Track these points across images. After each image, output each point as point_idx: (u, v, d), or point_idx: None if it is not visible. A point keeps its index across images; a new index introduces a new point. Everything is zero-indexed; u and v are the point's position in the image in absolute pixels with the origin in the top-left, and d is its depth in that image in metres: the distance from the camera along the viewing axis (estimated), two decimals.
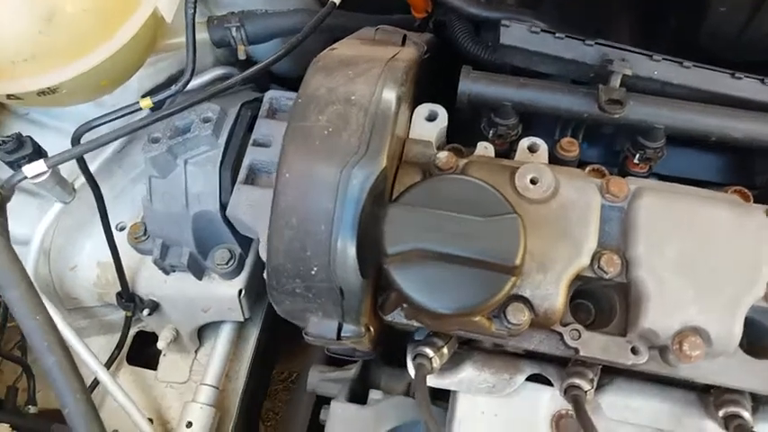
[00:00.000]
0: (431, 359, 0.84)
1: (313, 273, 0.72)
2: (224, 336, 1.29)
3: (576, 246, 0.76)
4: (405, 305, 0.77)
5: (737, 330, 0.73)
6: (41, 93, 0.91)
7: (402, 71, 0.76)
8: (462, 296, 0.67)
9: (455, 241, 0.65)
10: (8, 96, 0.92)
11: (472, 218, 0.66)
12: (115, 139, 0.91)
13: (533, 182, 0.79)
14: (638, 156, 0.88)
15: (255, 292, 1.22)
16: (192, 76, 0.97)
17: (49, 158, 0.85)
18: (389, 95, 0.73)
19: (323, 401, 1.14)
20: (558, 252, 0.76)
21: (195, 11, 0.97)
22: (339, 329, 0.77)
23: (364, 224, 0.70)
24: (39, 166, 0.84)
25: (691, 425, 0.84)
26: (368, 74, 0.75)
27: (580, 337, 0.78)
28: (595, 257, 0.77)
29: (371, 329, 0.78)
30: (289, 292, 0.75)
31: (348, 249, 0.70)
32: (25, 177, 0.85)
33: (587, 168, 0.89)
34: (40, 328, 0.82)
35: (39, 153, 1.04)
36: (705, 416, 0.83)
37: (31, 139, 1.03)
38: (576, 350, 0.78)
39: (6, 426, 1.12)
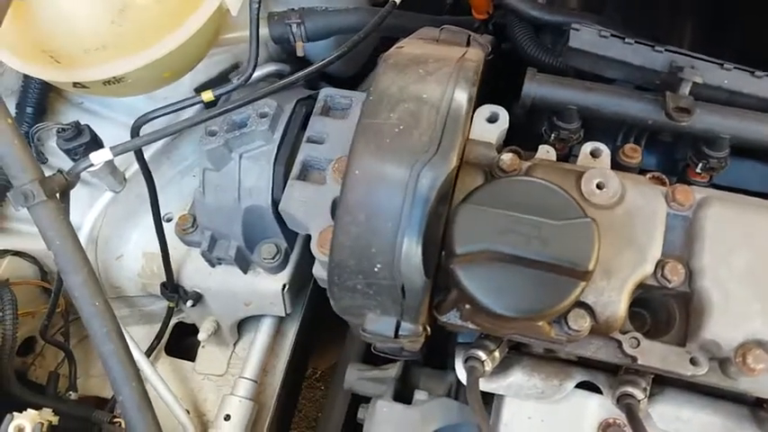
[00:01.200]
0: (483, 362, 0.84)
1: (376, 270, 0.72)
2: (264, 330, 1.30)
3: (640, 253, 0.76)
4: (464, 306, 0.77)
5: None
6: (107, 82, 0.93)
7: (473, 71, 0.76)
8: (530, 300, 0.67)
9: (527, 244, 0.65)
10: (74, 84, 0.94)
11: (545, 220, 0.66)
12: (178, 131, 0.92)
13: (599, 187, 0.78)
14: (700, 165, 0.87)
15: (297, 287, 1.23)
16: (253, 71, 0.98)
17: (115, 147, 0.86)
18: (461, 95, 0.73)
19: (358, 400, 1.14)
20: (622, 259, 0.75)
21: (260, 6, 0.98)
22: (397, 328, 0.77)
23: (429, 223, 0.70)
24: (104, 154, 0.86)
25: None
26: (439, 72, 0.75)
27: (639, 345, 0.77)
28: (659, 266, 0.76)
29: (428, 329, 0.78)
30: (350, 288, 0.76)
31: (414, 248, 0.70)
32: (92, 165, 0.86)
33: (647, 176, 0.88)
34: (99, 315, 0.84)
35: (95, 142, 1.06)
36: (758, 431, 0.82)
37: (89, 127, 1.04)
38: (635, 358, 0.77)
39: (49, 411, 1.13)
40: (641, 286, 0.77)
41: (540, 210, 0.68)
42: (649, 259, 0.76)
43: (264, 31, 1.10)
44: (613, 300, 0.75)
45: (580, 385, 0.88)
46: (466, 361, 0.86)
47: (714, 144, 0.86)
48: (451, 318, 0.82)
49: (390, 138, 0.72)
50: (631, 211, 0.77)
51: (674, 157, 0.94)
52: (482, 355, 0.85)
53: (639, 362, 0.77)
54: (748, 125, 0.85)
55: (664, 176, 0.88)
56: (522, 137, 0.95)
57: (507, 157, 0.82)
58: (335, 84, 1.38)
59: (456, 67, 0.76)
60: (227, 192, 1.09)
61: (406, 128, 0.72)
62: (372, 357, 1.07)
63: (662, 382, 0.86)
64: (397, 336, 0.77)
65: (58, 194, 0.84)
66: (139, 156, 1.06)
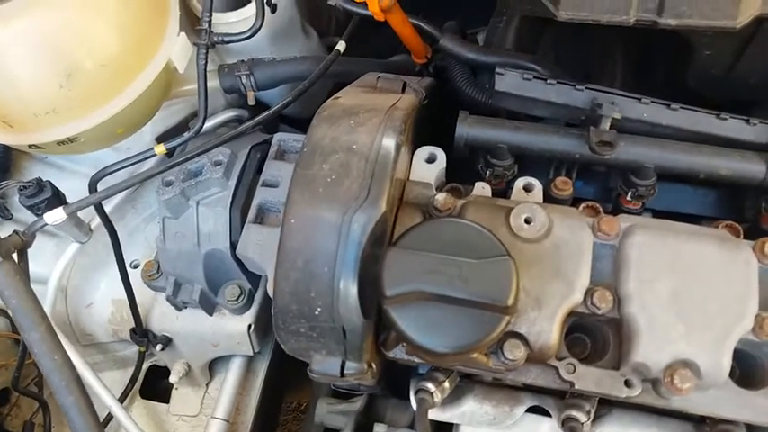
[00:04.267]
0: (432, 393, 0.87)
1: (317, 313, 0.76)
2: (234, 369, 1.32)
3: (568, 283, 0.79)
4: (403, 344, 0.80)
5: (726, 363, 0.76)
6: (61, 142, 0.96)
7: (401, 120, 0.81)
8: (459, 336, 0.70)
9: (451, 283, 0.69)
10: (30, 146, 0.98)
11: (466, 260, 0.70)
12: (132, 186, 0.96)
13: (527, 221, 0.82)
14: (630, 193, 0.92)
15: (264, 326, 1.26)
16: (203, 123, 1.02)
17: (68, 206, 0.90)
18: (389, 143, 0.77)
19: None
20: (551, 289, 0.79)
21: (207, 61, 1.03)
22: (342, 367, 0.80)
23: (365, 266, 0.74)
24: (58, 213, 0.89)
25: None
26: (368, 123, 0.80)
27: (575, 370, 0.81)
28: (588, 294, 0.80)
29: (374, 366, 0.81)
30: (294, 331, 0.79)
31: (350, 290, 0.74)
32: (46, 224, 0.89)
33: (582, 205, 0.92)
34: (58, 369, 0.86)
35: (57, 197, 1.09)
36: None
37: (51, 183, 1.08)
38: (572, 383, 0.80)
39: None
40: (574, 314, 0.81)
41: (464, 249, 0.71)
42: (578, 288, 0.80)
43: (215, 83, 1.14)
44: (545, 329, 0.78)
45: (533, 410, 0.91)
46: (417, 393, 0.89)
47: (640, 173, 0.90)
48: (398, 353, 0.85)
49: (323, 187, 0.76)
50: (559, 243, 0.81)
51: (607, 185, 0.99)
52: (431, 386, 0.87)
53: (577, 386, 0.80)
54: (669, 154, 0.90)
55: (598, 205, 0.92)
56: (467, 173, 0.99)
57: (441, 197, 0.86)
58: (296, 125, 1.43)
59: (385, 117, 0.81)
60: (187, 238, 1.12)
61: (338, 177, 0.76)
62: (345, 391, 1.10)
63: (609, 404, 0.89)
64: (342, 374, 0.80)
65: (15, 254, 0.87)
66: (99, 209, 1.09)
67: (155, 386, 1.43)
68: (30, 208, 1.08)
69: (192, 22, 1.14)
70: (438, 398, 0.88)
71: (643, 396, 0.80)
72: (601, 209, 0.93)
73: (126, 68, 0.94)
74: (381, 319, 0.82)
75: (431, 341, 0.71)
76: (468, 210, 0.85)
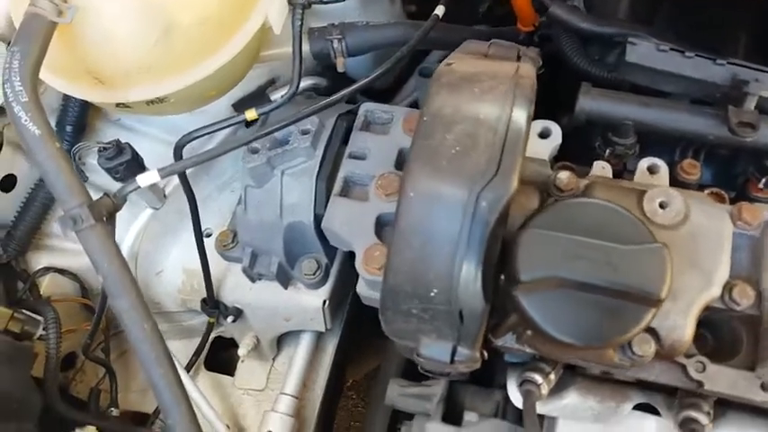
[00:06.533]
0: (539, 386, 0.82)
1: (432, 295, 0.70)
2: (304, 345, 1.28)
3: (706, 275, 0.73)
4: (524, 331, 0.75)
5: None
6: (150, 102, 0.92)
7: (530, 88, 0.74)
8: (597, 328, 0.65)
9: (596, 270, 0.63)
10: (117, 105, 0.93)
11: (614, 245, 0.64)
12: (225, 152, 0.91)
13: (662, 206, 0.76)
14: (764, 180, 0.84)
15: (337, 302, 1.22)
16: (297, 89, 0.97)
17: (163, 169, 0.85)
18: (520, 115, 0.71)
19: (398, 415, 1.13)
20: (687, 281, 0.73)
21: (303, 23, 0.97)
22: (453, 353, 0.75)
23: (489, 247, 0.68)
24: (152, 176, 0.85)
25: None
26: (495, 91, 0.73)
27: (705, 369, 0.75)
28: (727, 288, 0.73)
29: (485, 354, 0.76)
30: (404, 312, 0.74)
31: (473, 273, 0.68)
32: (138, 187, 0.85)
33: (705, 191, 0.86)
34: (148, 339, 0.83)
35: (135, 160, 1.06)
36: None
37: (130, 146, 1.04)
38: (701, 383, 0.74)
39: (93, 428, 1.13)
40: (707, 309, 0.75)
41: (608, 234, 0.65)
42: (716, 281, 0.73)
43: (305, 47, 1.08)
44: (679, 324, 0.72)
45: (637, 407, 0.86)
46: (521, 384, 0.84)
47: None
48: (507, 341, 0.80)
49: (447, 159, 0.70)
50: (696, 232, 0.75)
51: (732, 171, 0.91)
52: (538, 378, 0.82)
53: (706, 387, 0.74)
54: None
55: (723, 193, 0.85)
56: (571, 150, 0.93)
57: (564, 175, 0.80)
58: (368, 96, 1.37)
59: (512, 85, 0.74)
60: (269, 208, 1.08)
61: (464, 149, 0.70)
62: (413, 371, 1.05)
63: (723, 404, 0.83)
64: (452, 361, 0.75)
65: (105, 218, 0.83)
66: (182, 176, 1.05)
67: (218, 358, 1.40)
68: (108, 170, 1.04)
69: None
70: (545, 390, 0.83)
71: None
72: (726, 196, 0.86)
73: (223, 27, 0.89)
74: (496, 303, 0.77)
75: (566, 332, 0.65)
76: (594, 191, 0.78)
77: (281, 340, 1.33)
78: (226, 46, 0.90)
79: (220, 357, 1.41)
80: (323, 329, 1.23)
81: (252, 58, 1.01)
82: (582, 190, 0.79)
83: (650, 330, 0.72)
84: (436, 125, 0.72)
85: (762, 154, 0.84)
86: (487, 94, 0.73)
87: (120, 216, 1.21)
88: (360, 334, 1.36)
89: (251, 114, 0.96)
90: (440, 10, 1.05)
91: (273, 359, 1.34)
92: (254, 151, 1.04)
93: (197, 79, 0.89)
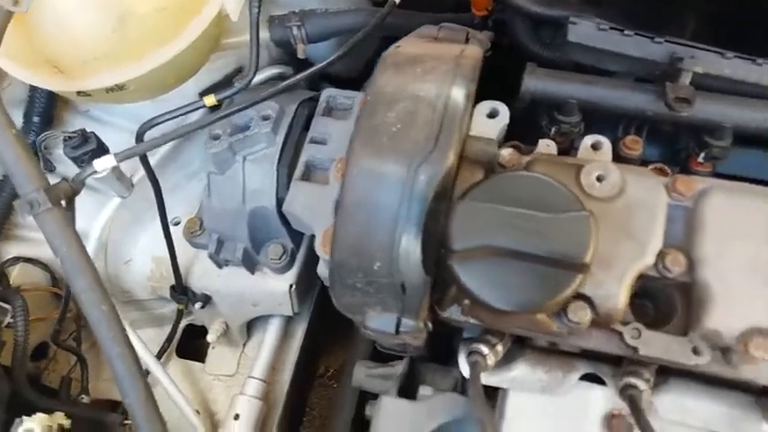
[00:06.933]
0: (485, 356, 0.85)
1: (376, 268, 0.73)
2: (272, 330, 1.31)
3: (640, 245, 0.76)
4: (464, 302, 0.77)
5: None
6: (110, 90, 0.94)
7: (471, 68, 0.77)
8: (528, 294, 0.67)
9: (525, 238, 0.66)
10: (78, 93, 0.96)
11: (542, 214, 0.67)
12: (180, 136, 0.93)
13: (599, 179, 0.79)
14: (703, 155, 0.87)
15: (304, 287, 1.24)
16: (254, 74, 0.99)
17: (118, 154, 0.87)
18: (458, 93, 0.74)
19: (366, 397, 1.15)
20: (622, 251, 0.75)
21: (260, 10, 0.99)
22: (398, 324, 0.78)
23: (429, 221, 0.71)
24: (108, 160, 0.87)
25: (747, 428, 0.82)
26: (436, 71, 0.76)
27: (640, 336, 0.77)
28: (660, 256, 0.76)
29: (429, 325, 0.79)
30: (350, 286, 0.77)
31: (413, 246, 0.71)
32: (95, 171, 0.87)
33: (649, 167, 0.88)
34: (105, 319, 0.85)
35: (101, 149, 1.07)
36: (762, 420, 0.82)
37: (95, 135, 1.06)
38: (636, 349, 0.77)
39: (61, 414, 1.15)
40: (642, 277, 0.78)
41: (538, 204, 0.68)
42: (649, 250, 0.76)
43: (265, 34, 1.11)
44: (613, 292, 0.75)
45: (584, 377, 0.88)
46: (469, 355, 0.86)
47: (716, 133, 0.86)
48: (453, 313, 0.82)
49: (388, 137, 0.73)
50: (632, 203, 0.77)
51: (675, 147, 0.94)
52: (484, 349, 0.85)
53: (641, 353, 0.77)
54: (751, 113, 0.85)
55: (666, 167, 0.88)
56: (521, 131, 0.95)
57: (507, 152, 0.83)
58: (337, 84, 1.39)
59: (453, 65, 0.77)
60: (233, 194, 1.10)
61: (404, 127, 0.73)
62: (381, 355, 1.08)
63: (665, 373, 0.86)
64: (398, 332, 0.78)
65: (63, 202, 0.85)
66: (145, 161, 1.08)
67: (190, 346, 1.42)
68: (74, 159, 1.06)
69: None
70: (491, 361, 0.85)
71: (711, 365, 0.76)
72: (669, 171, 0.89)
73: (179, 13, 0.91)
74: (438, 277, 0.79)
75: (497, 299, 0.68)
76: (535, 166, 0.81)
77: (251, 326, 1.35)
78: (182, 33, 0.92)
79: (193, 345, 1.43)
80: (291, 314, 1.25)
81: (210, 46, 1.03)
82: (524, 166, 0.82)
83: (585, 298, 0.75)
84: (379, 104, 0.75)
85: (700, 129, 0.87)
86: (429, 74, 0.76)
87: (88, 206, 1.27)
88: (339, 322, 1.38)
89: (210, 100, 0.98)
90: None
91: (244, 345, 1.36)
92: (216, 137, 1.07)
93: (154, 66, 0.91)
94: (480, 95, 0.92)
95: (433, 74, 0.76)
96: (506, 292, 0.68)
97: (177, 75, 1.01)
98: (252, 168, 1.09)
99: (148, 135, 1.02)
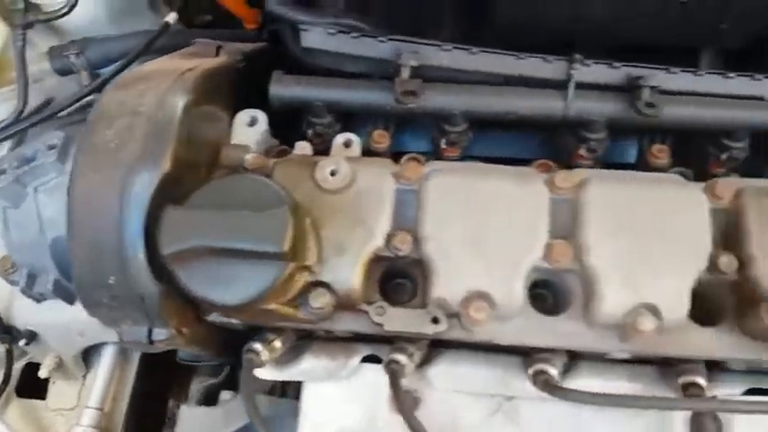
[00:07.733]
0: (259, 353, 0.87)
1: (111, 282, 0.75)
2: (106, 357, 1.31)
3: (368, 229, 0.81)
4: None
5: (518, 290, 0.79)
6: None
7: (192, 80, 0.80)
8: (243, 287, 0.71)
9: (225, 235, 0.69)
10: None
11: (243, 212, 0.70)
12: None
13: (333, 173, 0.83)
14: (444, 140, 0.93)
15: None
16: (24, 107, 1.00)
17: None
18: (174, 101, 0.77)
19: None
20: (352, 236, 0.80)
21: (24, 44, 1.00)
22: (149, 335, 0.80)
23: (152, 229, 0.74)
24: None
25: (515, 386, 0.88)
26: (159, 86, 0.79)
27: (385, 313, 0.82)
28: (389, 238, 0.81)
29: (184, 331, 0.81)
30: (97, 303, 0.78)
31: (138, 255, 0.73)
32: None
33: (405, 158, 0.94)
34: None
35: None
36: (524, 377, 0.88)
37: None
38: (381, 325, 0.82)
39: None
40: (380, 258, 0.83)
41: (246, 203, 0.72)
42: (378, 233, 0.81)
43: (47, 65, 1.12)
44: (348, 275, 0.80)
45: (373, 360, 0.92)
46: (245, 353, 0.89)
47: (449, 120, 0.92)
48: (215, 317, 0.85)
49: (105, 153, 0.75)
50: (361, 192, 0.83)
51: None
52: (258, 346, 0.87)
53: (386, 328, 0.82)
54: (474, 99, 0.92)
55: (420, 157, 0.92)
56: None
57: (251, 156, 0.87)
58: None
59: (174, 80, 0.80)
60: (30, 227, 1.10)
61: (122, 141, 0.76)
62: None
63: (440, 347, 0.91)
64: (151, 342, 0.80)
65: None
66: None
67: (34, 384, 1.40)
68: None
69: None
70: (266, 357, 0.88)
71: (451, 332, 0.82)
72: (423, 160, 0.95)
73: None
74: None
75: (216, 295, 0.71)
76: (277, 167, 0.85)
77: (89, 356, 1.34)
78: None
79: (38, 383, 1.41)
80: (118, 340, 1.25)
81: None
82: (271, 168, 0.86)
83: (324, 285, 0.80)
84: (100, 123, 0.77)
85: (437, 117, 0.93)
86: (150, 90, 0.79)
87: None
88: None
89: None
90: (171, 17, 1.11)
91: (84, 376, 1.35)
92: (1, 172, 1.07)
93: None
94: (257, 104, 0.96)
95: (153, 89, 0.79)
96: (223, 289, 0.71)
97: None
98: (44, 200, 1.09)
99: None
